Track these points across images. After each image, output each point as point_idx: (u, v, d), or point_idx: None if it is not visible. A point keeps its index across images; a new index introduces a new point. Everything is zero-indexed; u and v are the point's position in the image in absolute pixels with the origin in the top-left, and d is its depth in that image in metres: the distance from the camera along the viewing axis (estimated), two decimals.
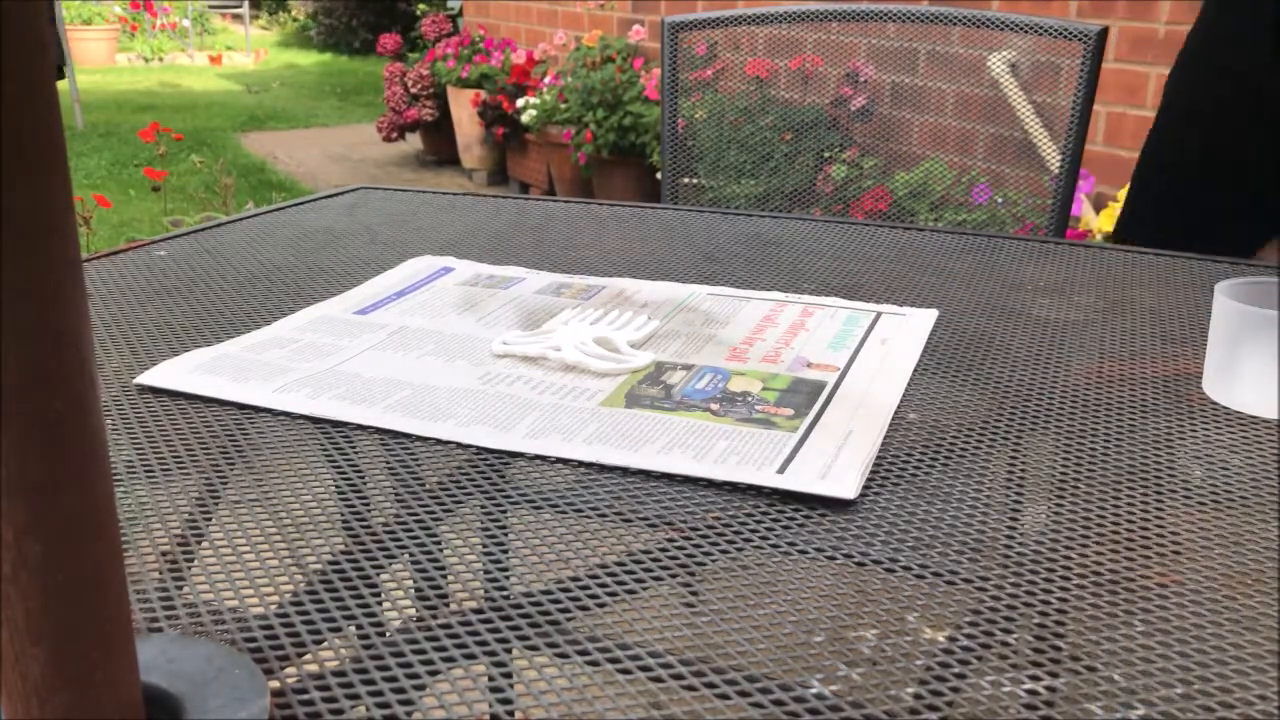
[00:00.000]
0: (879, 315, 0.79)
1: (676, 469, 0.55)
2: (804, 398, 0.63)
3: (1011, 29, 1.40)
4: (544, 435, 0.58)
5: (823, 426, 0.59)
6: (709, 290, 0.84)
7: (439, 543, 0.48)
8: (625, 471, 0.54)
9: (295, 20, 11.23)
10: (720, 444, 0.57)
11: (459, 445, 0.57)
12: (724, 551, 0.47)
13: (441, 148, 5.32)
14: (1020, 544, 0.48)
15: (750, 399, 0.63)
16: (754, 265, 0.92)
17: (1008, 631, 0.42)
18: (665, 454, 0.56)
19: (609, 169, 4.07)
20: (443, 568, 0.46)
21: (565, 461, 0.55)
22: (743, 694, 0.38)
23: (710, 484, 0.53)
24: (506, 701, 0.38)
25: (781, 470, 0.54)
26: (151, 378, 0.65)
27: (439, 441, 0.58)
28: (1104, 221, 2.57)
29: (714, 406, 0.62)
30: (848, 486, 0.53)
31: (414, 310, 0.78)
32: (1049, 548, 0.48)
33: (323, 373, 0.66)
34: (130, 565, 0.46)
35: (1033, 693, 0.38)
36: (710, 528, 0.49)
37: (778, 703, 0.37)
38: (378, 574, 0.45)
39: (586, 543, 0.48)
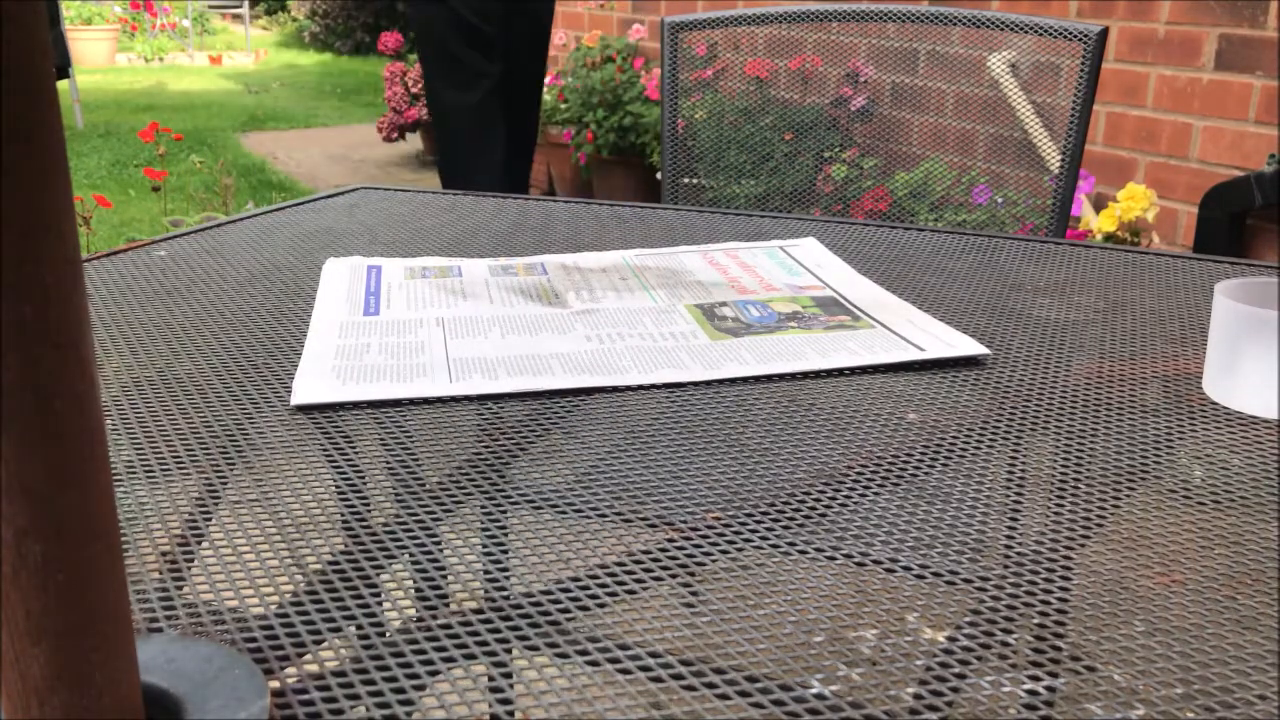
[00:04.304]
0: (784, 248, 0.89)
1: (844, 363, 0.62)
2: (838, 307, 0.67)
3: (1011, 29, 1.40)
4: (719, 364, 0.62)
5: (889, 316, 0.64)
6: (634, 253, 0.89)
7: (439, 543, 0.48)
8: (628, 469, 0.54)
9: (295, 20, 11.23)
10: (848, 344, 0.64)
11: (628, 389, 0.62)
12: (724, 552, 0.47)
13: None
14: (1020, 544, 0.48)
15: (805, 315, 0.65)
16: None
17: (1008, 631, 0.42)
18: (823, 358, 0.62)
19: (609, 169, 4.07)
20: (443, 568, 0.46)
21: (740, 380, 0.62)
22: (743, 694, 0.38)
23: (710, 484, 0.53)
24: (506, 701, 0.38)
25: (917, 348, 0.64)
26: (305, 395, 0.62)
27: (632, 389, 0.62)
28: (1104, 221, 2.57)
29: (792, 324, 0.64)
30: (976, 346, 0.65)
31: (419, 305, 0.77)
32: (1049, 548, 0.48)
33: (445, 360, 0.65)
34: (130, 565, 0.46)
35: (1033, 693, 0.38)
36: (710, 528, 0.49)
37: (778, 703, 0.37)
38: (378, 574, 0.45)
39: (586, 543, 0.48)
